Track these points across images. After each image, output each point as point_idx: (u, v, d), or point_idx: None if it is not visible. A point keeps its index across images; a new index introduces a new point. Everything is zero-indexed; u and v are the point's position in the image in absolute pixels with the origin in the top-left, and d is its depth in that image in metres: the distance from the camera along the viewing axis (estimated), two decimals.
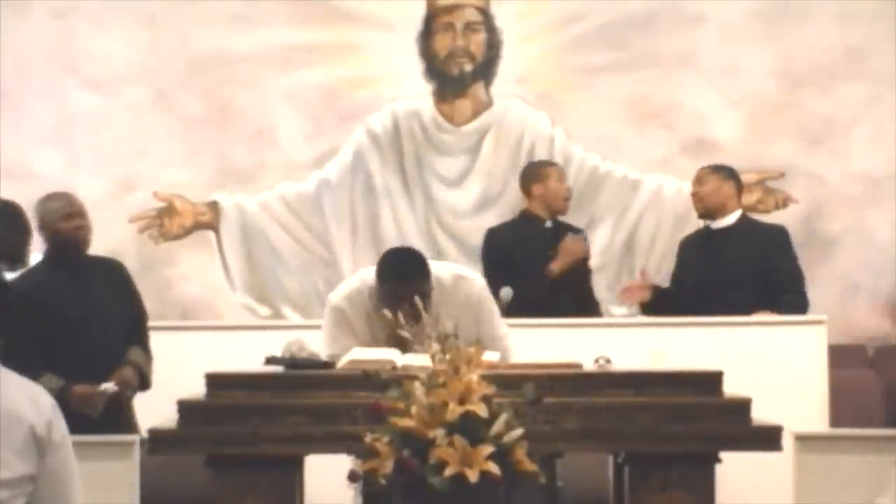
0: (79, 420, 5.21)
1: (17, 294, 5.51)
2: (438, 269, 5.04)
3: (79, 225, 5.55)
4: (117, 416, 5.48)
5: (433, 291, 4.87)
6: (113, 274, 5.67)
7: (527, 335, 5.33)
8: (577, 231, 6.88)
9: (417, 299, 4.50)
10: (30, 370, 5.27)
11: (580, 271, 6.83)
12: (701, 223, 6.66)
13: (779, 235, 6.53)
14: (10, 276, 5.77)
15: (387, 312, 4.48)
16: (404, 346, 4.56)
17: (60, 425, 2.90)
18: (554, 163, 7.23)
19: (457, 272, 5.13)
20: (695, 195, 6.61)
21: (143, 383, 5.57)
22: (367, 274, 5.03)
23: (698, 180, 6.60)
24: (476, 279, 5.13)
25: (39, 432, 2.83)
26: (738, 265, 6.40)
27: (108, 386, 5.40)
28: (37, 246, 5.89)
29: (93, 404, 5.36)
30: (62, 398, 5.26)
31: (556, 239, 6.71)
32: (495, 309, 5.10)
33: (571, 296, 6.73)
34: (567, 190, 6.85)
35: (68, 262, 5.54)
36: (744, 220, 6.54)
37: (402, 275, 4.87)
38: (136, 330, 5.65)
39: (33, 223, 5.62)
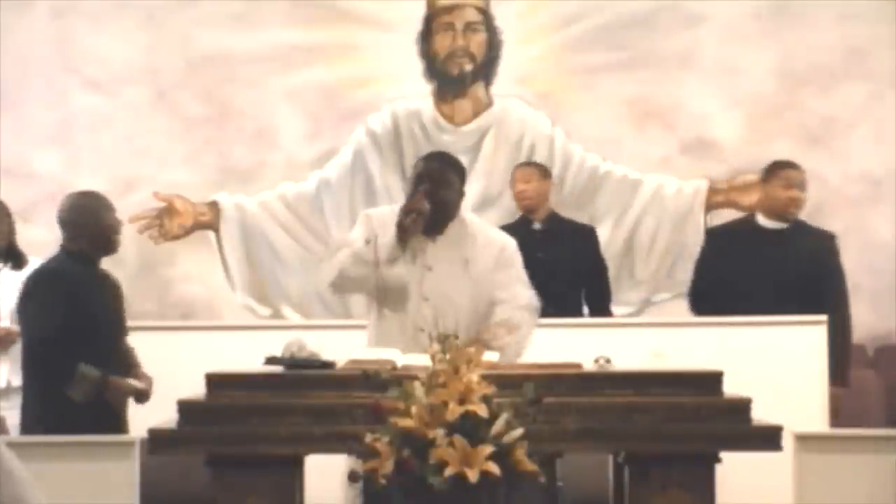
0: (73, 416, 5.23)
1: (53, 282, 5.43)
2: (475, 217, 5.18)
3: (118, 218, 5.57)
4: (113, 415, 5.47)
5: (460, 221, 4.95)
6: (115, 285, 5.68)
7: None
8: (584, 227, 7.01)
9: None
10: (66, 360, 5.30)
11: (595, 269, 6.88)
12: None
13: (829, 241, 6.53)
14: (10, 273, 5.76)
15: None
16: (414, 250, 4.81)
17: None
18: (528, 163, 7.23)
19: (486, 223, 5.24)
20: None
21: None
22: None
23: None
24: (510, 239, 5.12)
25: None
26: (790, 267, 6.41)
27: (137, 382, 5.43)
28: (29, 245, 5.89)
29: (125, 398, 5.39)
30: (99, 388, 5.27)
31: (547, 240, 6.75)
32: (523, 275, 5.07)
33: (587, 295, 6.81)
34: (524, 190, 6.89)
35: (93, 261, 5.50)
36: (797, 223, 6.53)
37: (436, 155, 5.14)
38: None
39: (69, 216, 5.53)
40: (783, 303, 6.27)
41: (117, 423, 5.45)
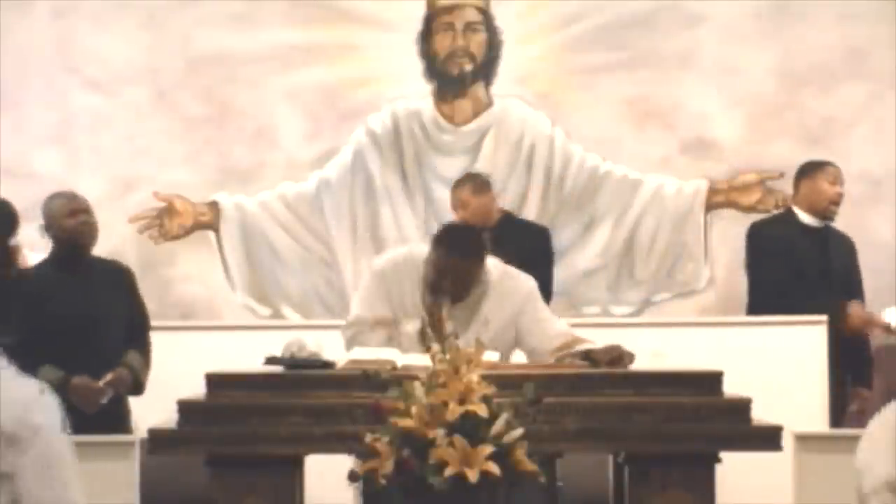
0: (76, 417, 5.25)
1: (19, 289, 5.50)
2: (496, 263, 5.02)
3: (84, 221, 5.58)
4: (114, 415, 5.48)
5: (481, 282, 4.88)
6: (117, 277, 5.69)
7: None
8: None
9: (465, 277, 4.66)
10: (29, 363, 5.32)
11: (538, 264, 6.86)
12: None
13: (853, 245, 6.78)
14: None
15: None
16: (437, 328, 4.68)
17: (33, 419, 2.81)
18: (463, 182, 7.05)
19: (506, 268, 5.07)
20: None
21: (137, 387, 5.58)
22: (416, 247, 5.06)
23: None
24: (526, 278, 5.07)
25: (5, 428, 2.76)
26: (835, 266, 6.56)
27: (106, 382, 5.42)
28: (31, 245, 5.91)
29: (91, 398, 5.38)
30: (61, 390, 5.28)
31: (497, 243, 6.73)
32: (548, 311, 5.07)
33: None
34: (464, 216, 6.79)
35: (73, 261, 5.56)
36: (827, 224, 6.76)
37: (466, 251, 4.87)
38: (137, 335, 5.66)
39: (40, 222, 5.62)
40: (836, 301, 6.41)
41: (122, 422, 5.47)
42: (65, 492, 2.77)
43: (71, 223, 5.54)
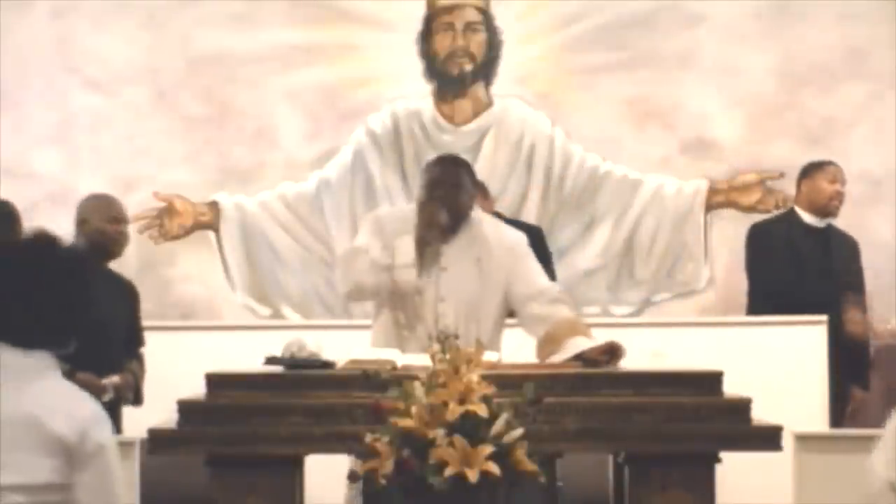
0: None
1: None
2: (484, 215, 5.22)
3: (122, 231, 5.62)
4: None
5: (472, 220, 5.01)
6: (124, 290, 5.72)
7: (527, 335, 5.32)
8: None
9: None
10: None
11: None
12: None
13: (856, 246, 6.84)
14: None
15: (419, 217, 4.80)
16: (430, 255, 4.84)
17: (96, 436, 2.86)
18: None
19: (498, 221, 5.31)
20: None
21: (137, 396, 5.60)
22: (410, 205, 5.17)
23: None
24: (517, 232, 5.20)
25: (69, 442, 2.80)
26: (836, 265, 6.59)
27: (110, 382, 5.43)
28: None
29: (94, 394, 5.39)
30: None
31: None
32: (538, 265, 5.13)
33: None
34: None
35: (94, 263, 5.56)
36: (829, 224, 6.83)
37: (449, 159, 5.19)
38: (134, 350, 5.68)
39: (75, 218, 5.65)
40: (837, 300, 6.43)
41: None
42: (117, 502, 2.83)
43: (110, 229, 5.60)
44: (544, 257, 6.99)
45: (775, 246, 6.70)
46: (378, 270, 4.89)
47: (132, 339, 5.68)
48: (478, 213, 5.13)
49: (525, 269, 5.04)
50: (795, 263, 6.60)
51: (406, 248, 4.89)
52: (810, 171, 6.84)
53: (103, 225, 5.58)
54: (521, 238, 5.14)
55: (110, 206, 5.68)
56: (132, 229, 7.92)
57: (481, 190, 6.93)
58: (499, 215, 7.10)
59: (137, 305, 5.77)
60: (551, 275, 6.89)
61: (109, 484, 2.85)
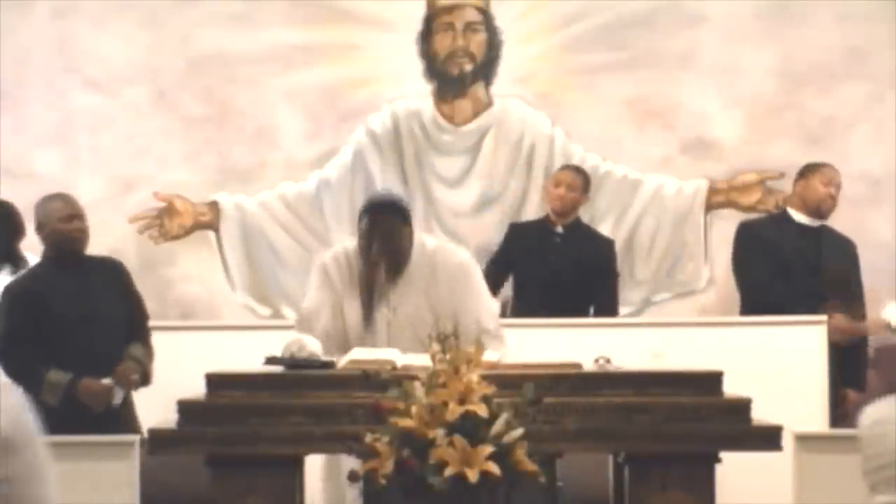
0: (83, 417, 5.27)
1: (17, 293, 5.55)
2: (426, 237, 5.20)
3: (78, 227, 5.59)
4: (120, 414, 5.50)
5: (418, 252, 5.00)
6: (112, 273, 5.70)
7: (527, 335, 5.33)
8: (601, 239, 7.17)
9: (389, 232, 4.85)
10: (33, 368, 5.37)
11: (606, 280, 6.97)
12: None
13: (853, 248, 6.83)
14: (8, 277, 5.81)
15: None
16: (376, 293, 4.87)
17: (27, 425, 2.81)
18: (577, 170, 7.28)
19: (444, 243, 5.30)
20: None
21: (144, 378, 5.60)
22: (350, 242, 5.15)
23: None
24: (462, 251, 5.20)
25: (5, 433, 2.75)
26: (830, 265, 6.61)
27: (110, 382, 5.43)
28: (32, 246, 5.93)
29: (99, 398, 5.40)
30: (70, 392, 5.31)
31: (565, 246, 6.86)
32: (483, 287, 5.12)
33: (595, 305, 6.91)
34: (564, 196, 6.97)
35: (67, 261, 5.57)
36: (824, 225, 6.82)
37: (379, 204, 5.10)
38: (137, 327, 5.67)
39: (33, 223, 5.65)
40: (825, 300, 6.44)
41: (128, 421, 5.48)
42: (49, 492, 2.78)
43: (66, 228, 5.56)
44: (610, 273, 7.03)
45: (760, 246, 6.70)
46: (329, 345, 4.84)
47: (134, 321, 5.66)
48: (422, 242, 5.09)
49: (464, 291, 5.02)
50: (781, 264, 6.60)
51: (352, 308, 4.92)
52: (806, 171, 6.85)
53: (59, 226, 5.56)
54: (463, 261, 5.10)
55: (63, 206, 5.62)
56: (132, 229, 7.98)
57: (583, 183, 7.03)
58: (578, 221, 7.13)
59: (131, 283, 5.73)
60: (610, 291, 6.99)
61: (42, 471, 2.80)
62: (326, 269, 5.05)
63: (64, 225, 5.56)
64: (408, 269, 4.97)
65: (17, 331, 5.44)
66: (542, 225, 7.06)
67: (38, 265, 5.70)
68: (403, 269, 4.96)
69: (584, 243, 6.97)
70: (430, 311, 4.92)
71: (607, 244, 7.19)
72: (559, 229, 6.93)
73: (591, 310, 6.91)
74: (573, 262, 6.80)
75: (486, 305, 5.09)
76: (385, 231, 4.93)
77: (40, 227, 5.60)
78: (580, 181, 7.08)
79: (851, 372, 6.64)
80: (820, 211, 6.72)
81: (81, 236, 5.60)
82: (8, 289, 5.63)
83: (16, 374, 5.32)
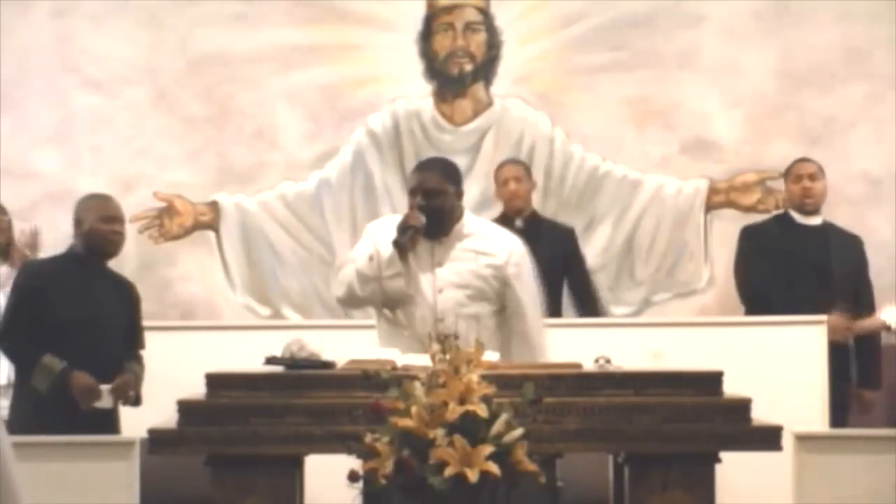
0: (69, 416, 5.26)
1: (28, 278, 5.55)
2: (481, 219, 5.32)
3: (116, 230, 5.61)
4: (106, 417, 5.48)
5: (465, 222, 5.07)
6: (124, 291, 5.71)
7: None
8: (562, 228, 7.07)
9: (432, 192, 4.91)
10: (30, 349, 5.38)
11: (578, 272, 6.98)
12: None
13: (860, 244, 6.86)
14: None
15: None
16: (423, 255, 4.94)
17: None
18: (516, 161, 7.31)
19: (494, 226, 5.35)
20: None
21: (137, 399, 5.60)
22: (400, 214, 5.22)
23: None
24: (517, 240, 5.22)
25: None
26: (834, 265, 6.62)
27: (107, 387, 5.42)
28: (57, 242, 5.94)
29: (87, 394, 5.38)
30: (63, 380, 5.30)
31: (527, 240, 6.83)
32: (530, 277, 5.17)
33: (574, 294, 6.91)
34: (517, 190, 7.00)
35: (91, 262, 5.56)
36: (827, 223, 6.83)
37: (427, 164, 5.25)
38: (134, 351, 5.68)
39: (73, 217, 5.67)
40: (832, 299, 6.44)
41: (112, 425, 5.47)
42: (14, 483, 2.76)
43: (104, 228, 5.56)
44: (577, 258, 7.09)
45: (760, 247, 6.72)
46: (366, 279, 4.95)
47: (131, 341, 5.67)
48: (472, 218, 5.18)
49: (516, 281, 5.07)
50: (784, 264, 6.60)
51: (392, 257, 4.93)
52: (784, 176, 6.93)
53: (98, 225, 5.55)
54: (517, 244, 5.16)
55: (105, 206, 5.64)
56: (132, 229, 7.97)
57: (526, 170, 7.06)
58: (536, 215, 7.14)
59: (138, 306, 5.75)
60: (583, 275, 7.01)
61: (8, 463, 2.77)
62: (373, 231, 5.12)
63: (102, 225, 5.57)
64: (454, 231, 5.04)
65: (21, 314, 5.44)
66: (500, 223, 6.98)
67: (56, 258, 5.70)
68: (450, 228, 5.03)
69: (546, 235, 6.93)
70: (478, 266, 5.00)
71: (569, 232, 7.19)
72: (518, 223, 6.88)
73: (571, 297, 6.94)
74: (538, 255, 6.77)
75: (534, 292, 5.17)
76: (429, 189, 4.99)
77: (79, 223, 5.60)
78: (522, 170, 7.15)
79: (865, 372, 6.65)
80: (805, 208, 6.74)
81: (117, 239, 5.62)
82: (21, 271, 5.69)
83: (12, 353, 5.43)
